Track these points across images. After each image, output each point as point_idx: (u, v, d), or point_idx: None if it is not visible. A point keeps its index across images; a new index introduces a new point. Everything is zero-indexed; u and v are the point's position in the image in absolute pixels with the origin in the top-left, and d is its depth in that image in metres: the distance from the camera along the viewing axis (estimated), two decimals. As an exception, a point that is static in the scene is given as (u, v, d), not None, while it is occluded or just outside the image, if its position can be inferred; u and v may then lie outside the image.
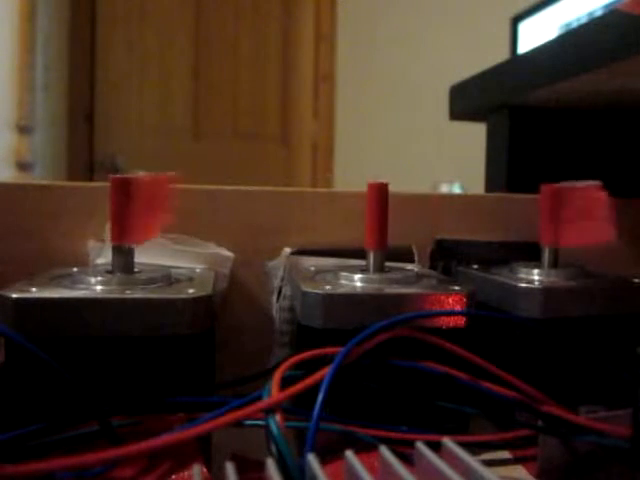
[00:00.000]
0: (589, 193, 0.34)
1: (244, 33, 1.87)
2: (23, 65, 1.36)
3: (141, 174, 0.29)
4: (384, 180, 0.31)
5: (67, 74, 1.70)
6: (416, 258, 0.38)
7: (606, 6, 0.76)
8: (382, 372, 0.27)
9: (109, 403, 0.24)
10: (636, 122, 0.53)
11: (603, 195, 0.34)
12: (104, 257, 0.34)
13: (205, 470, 0.22)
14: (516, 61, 0.52)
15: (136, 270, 0.30)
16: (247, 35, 1.87)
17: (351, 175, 1.72)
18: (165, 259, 0.34)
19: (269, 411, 0.21)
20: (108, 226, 0.30)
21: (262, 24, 1.89)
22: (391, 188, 0.31)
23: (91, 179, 1.69)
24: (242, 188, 0.38)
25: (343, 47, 1.89)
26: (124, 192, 0.28)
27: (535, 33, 0.95)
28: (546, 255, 0.35)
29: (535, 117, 0.53)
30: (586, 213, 0.34)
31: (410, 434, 0.26)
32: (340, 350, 0.25)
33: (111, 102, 1.77)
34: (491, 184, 0.57)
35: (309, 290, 0.28)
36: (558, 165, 0.53)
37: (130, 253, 0.29)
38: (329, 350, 0.26)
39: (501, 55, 0.87)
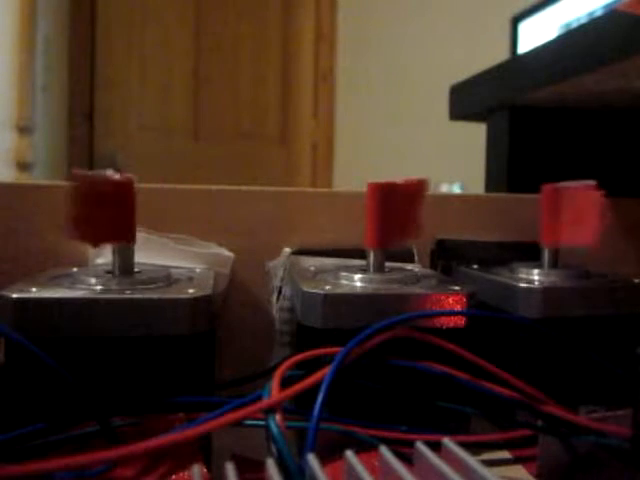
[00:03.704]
0: (586, 193, 0.34)
1: (244, 33, 1.87)
2: (23, 65, 1.36)
3: (109, 173, 0.29)
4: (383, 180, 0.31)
5: (67, 74, 1.70)
6: (416, 258, 0.38)
7: (606, 6, 0.77)
8: (382, 372, 0.27)
9: (109, 403, 0.24)
10: (636, 122, 0.53)
11: (598, 195, 0.33)
12: (104, 257, 0.34)
13: (205, 470, 0.22)
14: (516, 61, 0.52)
15: (136, 270, 0.30)
16: (247, 35, 1.87)
17: (351, 175, 1.72)
18: (165, 259, 0.34)
19: (269, 411, 0.21)
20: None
21: (262, 24, 1.89)
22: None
23: (91, 179, 1.68)
24: (242, 188, 0.38)
25: (343, 47, 1.89)
26: (125, 192, 0.29)
27: (535, 33, 0.95)
28: (546, 255, 0.35)
29: (535, 117, 0.53)
30: (582, 214, 0.33)
31: (410, 434, 0.26)
32: (340, 350, 0.25)
33: (111, 102, 1.77)
34: (491, 184, 0.57)
35: (309, 290, 0.28)
36: (558, 165, 0.53)
37: (130, 253, 0.29)
38: (329, 350, 0.26)
39: (501, 55, 0.87)
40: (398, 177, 0.32)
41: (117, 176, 0.28)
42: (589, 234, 0.32)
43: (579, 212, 0.33)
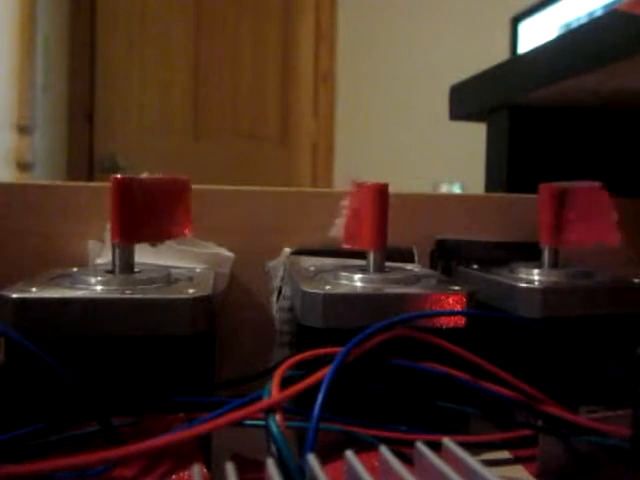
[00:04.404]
0: (591, 193, 0.34)
1: (244, 33, 1.87)
2: (23, 65, 1.36)
3: (144, 175, 0.29)
4: (384, 180, 0.31)
5: (67, 74, 1.70)
6: (416, 258, 0.38)
7: (606, 6, 0.77)
8: (382, 372, 0.27)
9: (109, 403, 0.24)
10: (636, 122, 0.53)
11: (605, 196, 0.33)
12: (104, 257, 0.34)
13: (205, 470, 0.22)
14: (516, 61, 0.52)
15: (136, 270, 0.30)
16: (247, 35, 1.87)
17: (351, 175, 1.72)
18: (165, 259, 0.34)
19: (269, 411, 0.21)
20: (108, 226, 0.30)
21: (262, 24, 1.89)
22: (391, 188, 0.31)
23: (91, 179, 1.69)
24: (242, 188, 0.38)
25: (343, 47, 1.89)
26: (125, 192, 0.28)
27: (535, 33, 0.95)
28: (546, 255, 0.35)
29: (535, 117, 0.53)
30: (589, 214, 0.33)
31: (410, 434, 0.26)
32: (340, 350, 0.25)
33: (111, 102, 1.77)
34: (491, 184, 0.57)
35: (309, 290, 0.28)
36: (558, 165, 0.53)
37: (130, 253, 0.29)
38: (329, 350, 0.26)
39: (501, 55, 0.87)
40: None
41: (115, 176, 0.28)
42: (605, 234, 0.32)
43: (589, 213, 0.33)
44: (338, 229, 0.32)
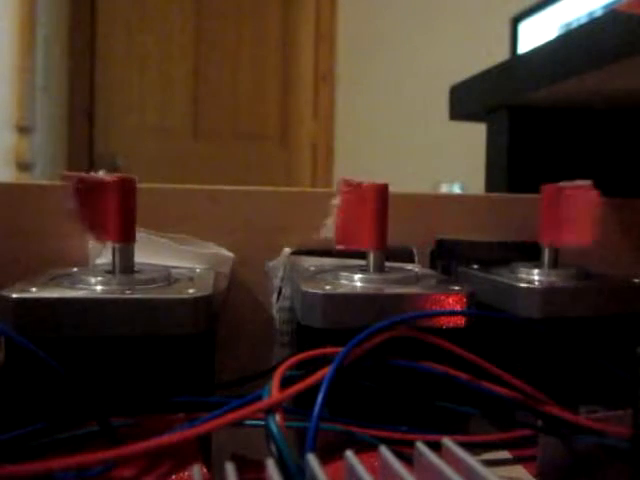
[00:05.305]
0: (583, 193, 0.34)
1: (244, 33, 1.87)
2: (23, 65, 1.36)
3: (101, 173, 0.29)
4: (384, 180, 0.31)
5: (67, 74, 1.70)
6: (416, 258, 0.38)
7: (606, 6, 0.77)
8: (382, 372, 0.27)
9: (109, 403, 0.24)
10: (636, 122, 0.53)
11: (595, 195, 0.33)
12: (104, 257, 0.34)
13: (205, 470, 0.22)
14: (516, 61, 0.52)
15: (136, 270, 0.30)
16: (247, 35, 1.87)
17: (351, 175, 1.72)
18: (165, 259, 0.34)
19: (269, 411, 0.21)
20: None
21: (262, 24, 1.89)
22: (391, 188, 0.31)
23: (91, 179, 1.68)
24: (242, 188, 0.38)
25: (343, 47, 1.89)
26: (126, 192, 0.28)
27: (535, 33, 0.95)
28: (546, 255, 0.35)
29: (535, 117, 0.53)
30: (578, 213, 0.33)
31: (410, 434, 0.26)
32: (340, 350, 0.25)
33: (111, 102, 1.77)
34: (491, 184, 0.57)
35: (309, 290, 0.28)
36: (558, 165, 0.53)
37: (130, 253, 0.29)
38: (329, 350, 0.26)
39: (501, 55, 0.87)
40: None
41: (114, 176, 0.28)
42: (585, 234, 0.32)
43: (576, 212, 0.33)
44: (329, 229, 0.31)
